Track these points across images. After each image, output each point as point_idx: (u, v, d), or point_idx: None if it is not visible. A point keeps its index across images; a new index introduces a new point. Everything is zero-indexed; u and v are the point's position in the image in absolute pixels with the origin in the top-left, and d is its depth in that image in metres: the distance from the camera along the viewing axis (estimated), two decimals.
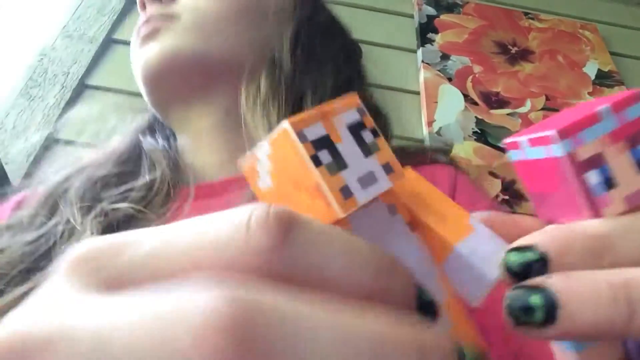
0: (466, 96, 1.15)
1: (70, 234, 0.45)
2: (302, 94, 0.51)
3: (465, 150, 1.05)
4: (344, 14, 1.24)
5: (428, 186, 0.20)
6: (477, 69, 1.22)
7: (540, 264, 0.16)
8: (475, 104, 1.14)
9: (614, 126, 0.18)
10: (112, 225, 0.47)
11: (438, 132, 1.06)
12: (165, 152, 0.56)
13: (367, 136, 0.18)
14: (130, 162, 0.56)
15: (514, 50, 1.28)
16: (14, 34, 1.09)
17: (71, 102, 0.96)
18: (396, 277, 0.15)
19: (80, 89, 0.99)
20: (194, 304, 0.12)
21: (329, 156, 0.17)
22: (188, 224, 0.15)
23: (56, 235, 0.46)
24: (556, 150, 0.18)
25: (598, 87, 1.23)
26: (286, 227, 0.13)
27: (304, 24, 0.57)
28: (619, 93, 0.19)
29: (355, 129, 0.18)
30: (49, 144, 0.82)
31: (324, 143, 0.17)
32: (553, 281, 0.15)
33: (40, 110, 0.94)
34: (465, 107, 1.13)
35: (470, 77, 1.20)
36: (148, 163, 0.55)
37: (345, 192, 0.16)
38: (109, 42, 1.09)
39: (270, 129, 0.46)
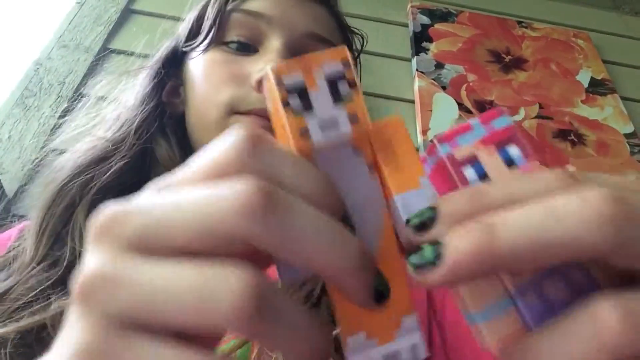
0: (460, 105, 1.16)
1: None
2: None
3: None
4: None
5: (404, 137, 0.22)
6: (471, 77, 1.23)
7: (433, 218, 0.20)
8: (470, 112, 1.15)
9: (483, 134, 0.22)
10: None
11: (432, 141, 1.07)
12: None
13: (343, 87, 0.20)
14: (139, 169, 0.56)
15: (507, 58, 1.29)
16: (10, 44, 1.10)
17: (67, 112, 0.96)
18: (332, 193, 0.20)
19: (76, 99, 0.99)
20: (230, 189, 0.18)
21: (298, 100, 0.20)
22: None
23: (74, 258, 0.47)
24: (440, 153, 0.22)
25: (591, 95, 1.24)
26: (256, 140, 0.19)
27: None
28: (489, 110, 0.24)
29: (334, 79, 0.20)
30: (45, 154, 0.82)
31: (297, 89, 0.20)
32: (440, 228, 0.19)
33: (36, 120, 0.94)
34: (460, 115, 1.14)
35: (465, 85, 1.21)
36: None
37: (304, 133, 0.20)
38: (105, 52, 1.09)
39: None
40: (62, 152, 0.64)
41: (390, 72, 1.24)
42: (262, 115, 0.52)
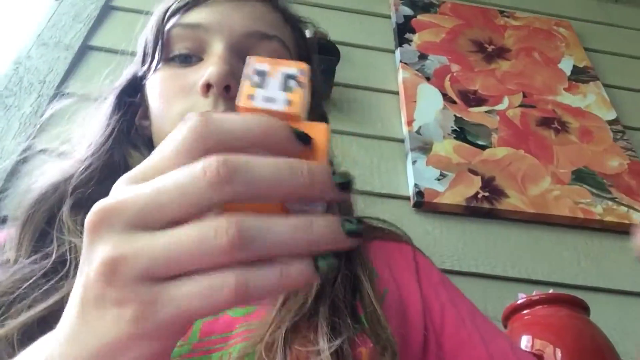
0: (445, 95, 1.16)
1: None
2: None
3: (445, 148, 1.06)
4: (322, 16, 1.25)
5: (321, 139, 0.28)
6: (454, 67, 1.23)
7: None
8: (454, 102, 1.15)
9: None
10: None
11: (418, 131, 1.07)
12: None
13: (291, 83, 0.28)
14: (113, 177, 0.56)
15: (490, 48, 1.30)
16: None
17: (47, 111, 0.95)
18: (274, 127, 0.26)
19: (57, 98, 0.98)
20: (197, 167, 0.24)
21: (257, 79, 0.28)
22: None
23: (71, 258, 0.48)
24: None
25: (574, 82, 1.25)
26: (205, 118, 0.25)
27: None
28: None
29: (288, 77, 0.28)
30: (27, 153, 0.81)
31: (261, 73, 0.28)
32: None
33: (17, 119, 0.93)
34: (444, 105, 1.14)
35: (448, 76, 1.21)
36: None
37: (250, 98, 0.27)
38: (85, 49, 1.08)
39: None
40: (43, 151, 0.63)
41: (374, 64, 1.24)
42: None
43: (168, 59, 0.58)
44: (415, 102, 1.13)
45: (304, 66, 0.28)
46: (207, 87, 0.53)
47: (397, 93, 1.17)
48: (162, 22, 0.59)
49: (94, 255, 0.24)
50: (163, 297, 0.23)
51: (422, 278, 0.59)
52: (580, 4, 1.52)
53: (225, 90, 0.54)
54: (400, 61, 1.21)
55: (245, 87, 0.28)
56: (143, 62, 0.62)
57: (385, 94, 1.18)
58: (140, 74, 0.62)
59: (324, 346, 0.43)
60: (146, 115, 0.62)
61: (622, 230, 1.00)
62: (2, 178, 0.85)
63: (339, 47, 1.13)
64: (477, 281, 0.91)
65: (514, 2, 1.47)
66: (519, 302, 0.75)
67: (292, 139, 0.26)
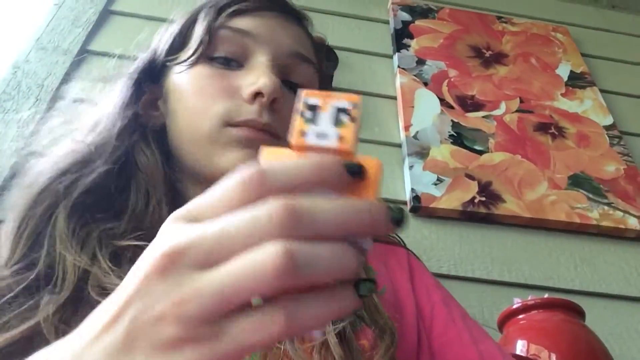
0: (442, 100, 1.17)
1: (74, 271, 0.47)
2: None
3: (442, 153, 1.06)
4: (320, 21, 1.25)
5: (374, 170, 0.29)
6: (452, 73, 1.24)
7: None
8: (451, 107, 1.16)
9: None
10: (117, 254, 0.50)
11: (415, 136, 1.08)
12: (164, 180, 0.57)
13: (344, 117, 0.28)
14: (118, 174, 0.56)
15: (488, 54, 1.30)
16: None
17: (46, 114, 0.95)
18: (328, 168, 0.26)
19: (55, 102, 0.98)
20: (261, 212, 0.24)
21: (310, 114, 0.28)
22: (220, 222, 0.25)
23: (58, 271, 0.47)
24: None
25: (571, 88, 1.26)
26: (258, 173, 0.25)
27: None
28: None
29: (340, 111, 0.28)
30: (24, 158, 0.81)
31: (312, 108, 0.28)
32: None
33: (15, 123, 0.93)
34: (442, 110, 1.14)
35: (446, 81, 1.21)
36: (143, 191, 0.56)
37: (302, 134, 0.28)
38: (83, 54, 1.08)
39: None
40: (40, 154, 0.63)
41: (372, 69, 1.24)
42: (254, 127, 0.55)
43: (210, 57, 0.58)
44: (412, 107, 1.14)
45: (356, 98, 0.28)
46: (256, 95, 0.55)
47: (394, 98, 1.18)
48: (214, 19, 0.59)
49: (162, 295, 0.25)
50: (223, 334, 0.24)
51: (416, 280, 0.60)
52: (577, 10, 1.53)
53: (272, 102, 0.55)
54: (398, 66, 1.22)
55: (297, 123, 0.28)
56: (171, 52, 0.61)
57: (382, 99, 1.18)
58: (165, 62, 0.61)
59: (329, 328, 0.44)
60: (155, 105, 0.62)
61: (618, 235, 1.00)
62: (1, 179, 0.85)
63: (337, 52, 1.13)
64: (474, 286, 0.92)
65: (511, 8, 1.47)
66: (514, 306, 0.75)
67: (345, 178, 0.26)
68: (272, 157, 0.29)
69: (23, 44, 1.07)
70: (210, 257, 0.24)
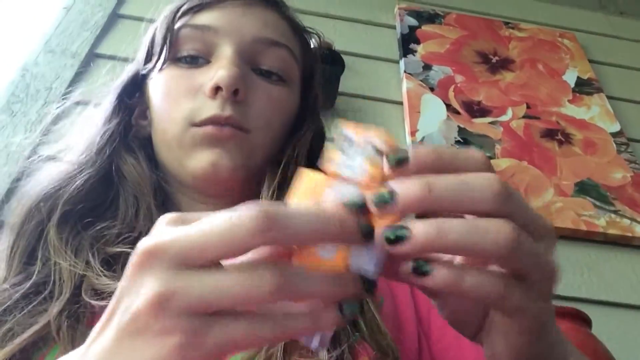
0: (448, 106, 1.16)
1: (71, 277, 0.48)
2: None
3: None
4: (327, 26, 1.25)
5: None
6: (458, 78, 1.23)
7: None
8: (458, 113, 1.15)
9: None
10: (107, 260, 0.50)
11: (421, 142, 1.08)
12: (152, 186, 0.58)
13: (374, 153, 0.29)
14: (106, 185, 0.56)
15: (494, 59, 1.30)
16: None
17: (54, 117, 0.95)
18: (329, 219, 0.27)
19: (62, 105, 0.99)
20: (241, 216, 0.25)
21: (343, 145, 0.29)
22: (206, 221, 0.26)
23: (55, 278, 0.48)
24: None
25: (578, 94, 1.25)
26: (269, 213, 0.25)
27: (312, 134, 0.64)
28: None
29: (372, 147, 0.29)
30: (32, 161, 0.81)
31: (348, 139, 0.29)
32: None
33: (23, 125, 0.94)
34: (448, 116, 1.14)
35: (452, 86, 1.21)
36: (132, 198, 0.56)
37: (332, 162, 0.29)
38: (91, 57, 1.09)
39: None
40: (49, 158, 0.64)
41: (378, 73, 1.24)
42: (218, 122, 0.54)
43: (175, 59, 0.58)
44: (419, 112, 1.13)
45: (388, 136, 0.30)
46: (216, 89, 0.54)
47: (401, 103, 1.18)
48: (172, 21, 0.59)
49: (142, 289, 0.25)
50: (208, 329, 0.25)
51: None
52: (585, 15, 1.53)
53: (234, 94, 0.54)
54: (405, 71, 1.22)
55: (330, 150, 0.30)
56: (147, 60, 0.62)
57: (389, 104, 1.18)
58: (143, 72, 0.62)
59: (324, 356, 0.43)
60: (145, 114, 0.62)
61: (625, 243, 1.00)
62: (8, 183, 0.85)
63: (344, 56, 1.13)
64: None
65: (518, 14, 1.47)
66: None
67: (356, 239, 0.27)
68: (305, 184, 0.30)
69: (32, 47, 1.08)
70: (190, 255, 0.25)
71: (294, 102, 0.63)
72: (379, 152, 0.29)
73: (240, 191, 0.58)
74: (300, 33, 0.66)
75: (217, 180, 0.56)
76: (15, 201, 0.56)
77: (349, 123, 0.30)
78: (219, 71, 0.54)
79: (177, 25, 0.59)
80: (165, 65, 0.59)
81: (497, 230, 0.26)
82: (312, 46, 0.70)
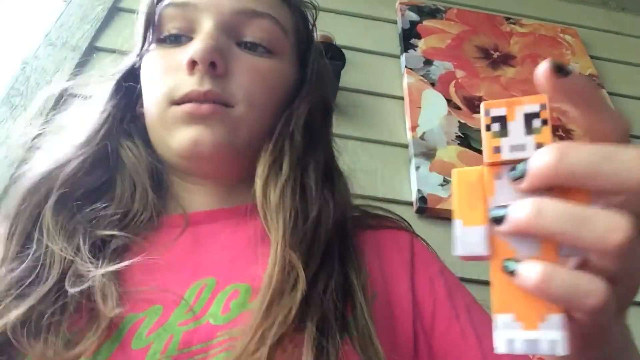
0: (449, 101, 1.16)
1: (60, 261, 0.47)
2: (306, 166, 0.57)
3: (449, 154, 1.06)
4: (327, 21, 1.25)
5: None
6: (459, 74, 1.23)
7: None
8: (459, 108, 1.15)
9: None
10: (97, 244, 0.50)
11: (422, 137, 1.07)
12: (147, 168, 0.58)
13: (536, 122, 0.26)
14: (103, 168, 0.56)
15: (495, 55, 1.30)
16: None
17: (53, 109, 0.95)
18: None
19: (62, 98, 0.98)
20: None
21: (498, 127, 0.27)
22: None
23: (45, 263, 0.47)
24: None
25: None
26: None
27: (312, 109, 0.61)
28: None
29: (530, 116, 0.26)
30: (32, 153, 0.81)
31: (499, 119, 0.27)
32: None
33: (23, 119, 0.94)
34: (449, 111, 1.14)
35: (453, 82, 1.21)
36: (128, 180, 0.56)
37: (496, 150, 0.26)
38: (91, 50, 1.08)
39: (279, 191, 0.53)
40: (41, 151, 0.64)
41: (379, 68, 1.24)
42: (196, 99, 0.53)
43: (159, 39, 0.58)
44: (419, 107, 1.13)
45: (543, 99, 0.27)
46: (193, 64, 0.53)
47: (401, 98, 1.18)
48: (154, 3, 0.58)
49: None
50: None
51: (417, 270, 0.57)
52: (586, 11, 1.52)
53: (211, 67, 0.53)
54: (406, 66, 1.21)
55: (488, 140, 0.27)
56: (140, 47, 0.61)
57: (390, 99, 1.18)
58: (138, 60, 0.62)
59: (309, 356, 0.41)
60: (142, 101, 0.62)
61: None
62: (8, 176, 0.85)
63: (345, 51, 1.13)
64: (481, 288, 0.91)
65: (520, 9, 1.47)
66: None
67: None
68: (463, 179, 0.28)
69: (32, 40, 1.08)
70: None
71: (286, 75, 0.61)
72: (539, 117, 0.26)
73: (232, 170, 0.57)
74: (292, 4, 0.65)
75: (200, 158, 0.54)
76: (14, 187, 0.56)
77: (493, 102, 0.28)
78: (194, 44, 0.53)
79: (158, 7, 0.58)
80: (151, 47, 0.58)
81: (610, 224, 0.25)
82: (307, 18, 0.68)
